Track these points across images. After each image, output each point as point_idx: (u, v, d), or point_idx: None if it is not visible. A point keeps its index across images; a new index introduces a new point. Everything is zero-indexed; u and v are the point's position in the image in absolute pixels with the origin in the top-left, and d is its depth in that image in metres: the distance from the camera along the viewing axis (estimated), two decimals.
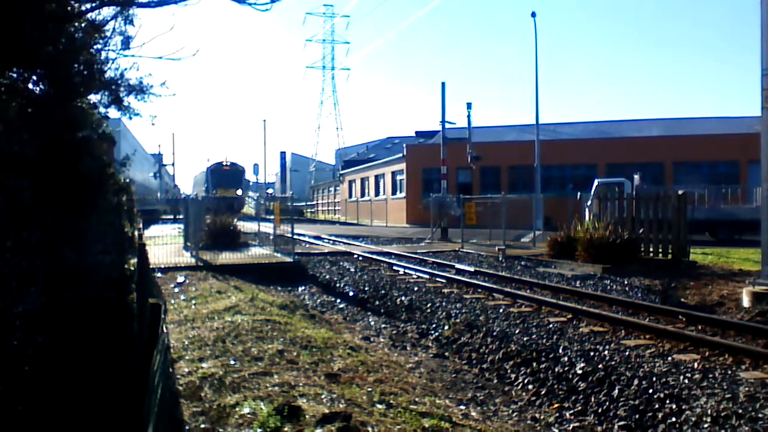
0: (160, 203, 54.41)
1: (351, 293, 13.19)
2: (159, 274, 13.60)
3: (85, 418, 4.76)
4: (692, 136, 37.44)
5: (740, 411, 5.81)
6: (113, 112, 8.22)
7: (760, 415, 5.73)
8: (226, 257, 16.38)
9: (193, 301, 10.61)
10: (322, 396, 5.48)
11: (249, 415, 4.99)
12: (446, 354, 8.60)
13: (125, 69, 7.79)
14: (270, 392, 5.50)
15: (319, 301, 12.67)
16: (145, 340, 5.03)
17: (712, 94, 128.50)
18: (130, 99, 7.93)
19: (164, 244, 18.99)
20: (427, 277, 14.40)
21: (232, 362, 6.44)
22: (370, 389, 5.92)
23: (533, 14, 30.84)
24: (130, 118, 8.27)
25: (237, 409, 5.11)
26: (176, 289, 12.14)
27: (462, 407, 6.24)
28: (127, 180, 8.76)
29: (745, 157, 32.09)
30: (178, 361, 6.57)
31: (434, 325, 9.98)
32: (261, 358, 6.67)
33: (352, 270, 16.24)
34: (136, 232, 14.27)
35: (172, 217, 39.08)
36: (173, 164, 75.62)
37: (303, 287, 14.29)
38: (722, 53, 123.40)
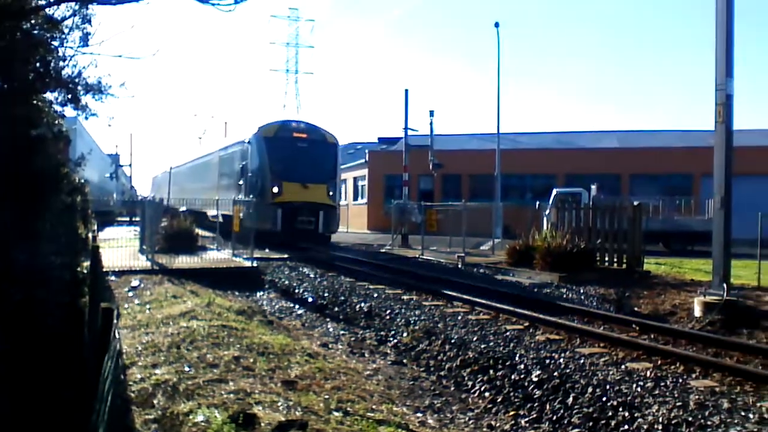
0: (116, 205, 52.63)
1: (310, 299, 13.10)
2: (113, 278, 13.32)
3: (33, 425, 4.61)
4: (648, 149, 38.30)
5: (690, 419, 5.94)
6: (70, 111, 8.03)
7: (709, 423, 5.86)
8: (183, 261, 16.12)
9: (148, 306, 10.41)
10: (279, 403, 5.42)
11: (203, 423, 4.90)
12: (404, 361, 8.60)
13: (83, 67, 7.62)
14: (225, 399, 5.42)
15: (277, 306, 12.56)
16: (96, 345, 4.91)
17: (670, 107, 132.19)
18: (87, 98, 7.77)
19: (119, 246, 18.61)
20: (387, 283, 14.40)
21: (186, 369, 6.33)
22: (327, 396, 5.87)
23: (496, 24, 31.22)
24: (87, 117, 8.09)
25: (191, 416, 5.02)
26: (130, 293, 11.90)
27: (419, 415, 6.24)
28: (82, 180, 8.55)
29: (699, 170, 32.93)
30: (131, 367, 6.43)
31: (393, 332, 9.97)
32: (216, 364, 6.57)
33: (312, 276, 16.15)
34: (90, 234, 13.97)
35: (128, 219, 38.32)
36: (130, 165, 74.02)
37: (261, 292, 14.15)
38: (682, 67, 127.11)
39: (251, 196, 22.31)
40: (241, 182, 24.54)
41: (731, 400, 6.34)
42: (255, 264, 16.71)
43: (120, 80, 7.79)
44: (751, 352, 8.47)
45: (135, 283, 12.94)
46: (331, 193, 23.99)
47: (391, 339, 9.65)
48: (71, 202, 7.06)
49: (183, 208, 22.70)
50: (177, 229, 19.26)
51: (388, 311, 11.32)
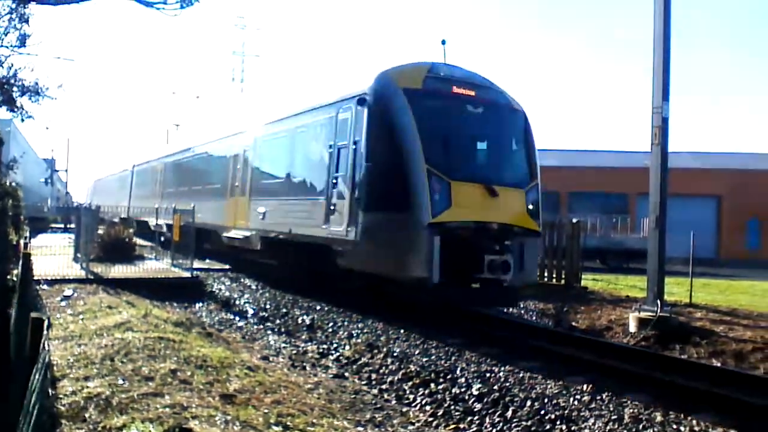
0: (50, 211, 50.53)
1: (251, 311, 12.89)
2: (45, 287, 12.81)
3: None
4: (587, 168, 39.36)
5: None
6: (4, 113, 7.73)
7: None
8: (119, 270, 15.65)
9: (81, 316, 10.03)
10: (216, 418, 5.28)
11: None
12: (346, 374, 8.53)
13: (20, 68, 7.35)
14: (160, 414, 5.25)
15: (217, 318, 12.30)
16: (24, 356, 4.69)
17: (610, 128, 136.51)
18: (23, 100, 7.48)
19: (53, 254, 17.93)
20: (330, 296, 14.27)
21: (120, 382, 6.11)
22: (266, 411, 5.76)
23: (443, 42, 31.54)
24: (23, 120, 7.79)
25: (124, 431, 4.84)
26: (63, 303, 11.46)
27: (360, 429, 6.18)
28: (14, 184, 8.22)
29: (635, 190, 34.03)
30: (62, 380, 6.17)
31: (335, 345, 9.89)
32: (152, 377, 6.37)
33: (254, 287, 15.91)
34: (21, 241, 13.43)
35: (62, 226, 37.01)
36: (66, 170, 71.65)
37: (201, 304, 13.85)
38: (623, 91, 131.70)
39: (364, 207, 11.48)
40: (336, 180, 12.55)
41: (664, 414, 6.52)
42: (195, 274, 16.35)
43: (58, 81, 7.55)
44: (682, 367, 8.75)
45: (68, 292, 12.47)
46: (532, 207, 12.17)
47: (333, 352, 9.57)
48: (1, 206, 6.77)
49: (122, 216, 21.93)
50: (114, 238, 18.70)
51: (330, 324, 11.23)
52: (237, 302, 13.83)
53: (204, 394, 6.03)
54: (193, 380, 6.46)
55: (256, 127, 18.06)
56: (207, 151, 22.72)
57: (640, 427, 6.24)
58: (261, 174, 17.07)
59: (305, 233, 13.58)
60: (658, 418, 6.44)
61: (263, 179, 16.85)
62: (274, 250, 16.04)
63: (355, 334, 10.34)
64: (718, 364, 9.33)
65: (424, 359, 8.63)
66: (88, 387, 5.89)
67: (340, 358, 9.26)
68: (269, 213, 15.87)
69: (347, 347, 9.66)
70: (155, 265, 18.00)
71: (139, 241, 21.47)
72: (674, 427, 6.22)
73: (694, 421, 6.31)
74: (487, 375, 7.97)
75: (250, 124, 18.73)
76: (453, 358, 8.84)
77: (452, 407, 6.98)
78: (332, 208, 12.50)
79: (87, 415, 5.22)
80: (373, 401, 7.30)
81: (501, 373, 8.07)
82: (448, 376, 7.85)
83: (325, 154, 13.21)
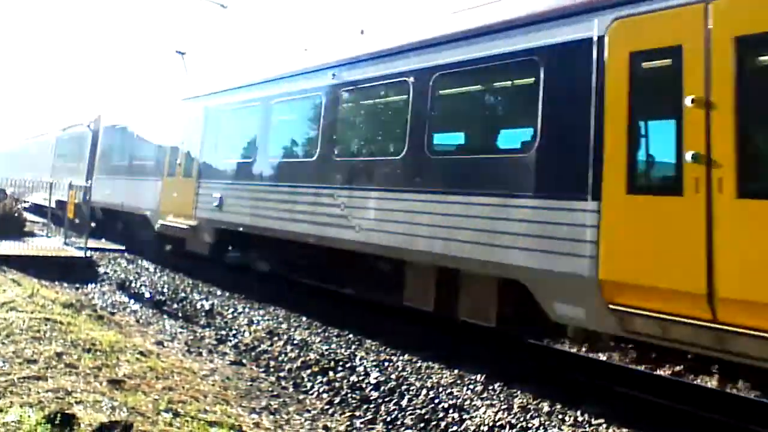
0: None
1: (147, 294, 12.46)
2: None
3: None
4: None
5: (513, 421, 6.30)
6: None
7: (530, 426, 6.25)
8: (6, 247, 14.74)
9: None
10: (102, 404, 5.07)
11: (14, 423, 4.47)
12: (244, 361, 8.40)
13: None
14: (42, 398, 4.99)
15: (110, 300, 11.81)
16: None
17: None
18: None
19: None
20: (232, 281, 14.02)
21: (0, 364, 5.77)
22: (157, 397, 5.59)
23: None
24: None
25: (0, 416, 4.57)
26: None
27: (254, 416, 6.11)
28: None
29: None
30: None
31: (234, 332, 9.72)
32: (35, 360, 6.05)
33: (151, 270, 15.38)
34: None
35: None
36: None
37: (94, 285, 13.26)
38: None
39: None
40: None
41: (551, 404, 6.80)
42: (89, 254, 15.63)
43: None
44: (570, 360, 9.15)
45: None
46: None
47: (232, 338, 9.41)
48: None
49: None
50: (1, 212, 17.60)
51: (231, 310, 11.02)
52: (133, 284, 13.33)
53: (91, 379, 5.79)
54: (79, 364, 6.19)
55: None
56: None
57: (528, 416, 6.48)
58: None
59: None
60: (546, 409, 6.71)
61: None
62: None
63: (255, 321, 10.20)
64: (604, 358, 9.83)
65: (325, 347, 8.62)
66: None
67: (239, 344, 9.11)
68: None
69: (247, 334, 9.51)
70: (46, 243, 17.06)
71: (30, 216, 20.31)
72: (560, 417, 6.50)
73: (579, 411, 6.62)
74: (386, 364, 8.05)
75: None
76: (353, 346, 8.87)
77: (349, 395, 7.02)
78: None
79: None
80: (270, 389, 7.23)
81: (399, 363, 8.17)
82: (347, 365, 7.88)
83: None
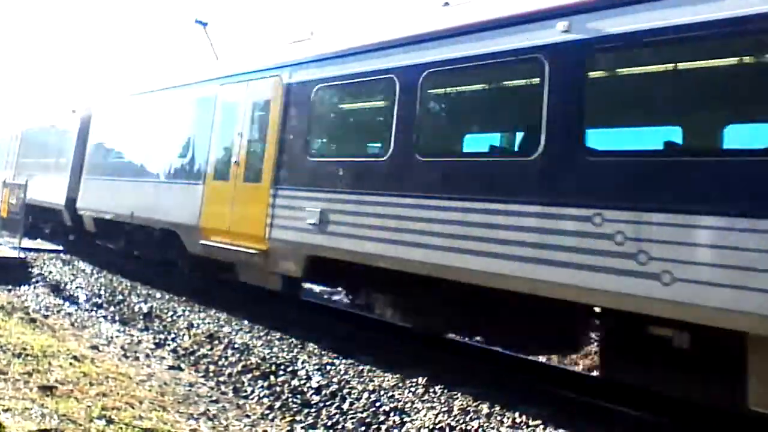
0: None
1: (84, 297, 12.09)
2: None
3: None
4: None
5: (453, 423, 6.36)
6: None
7: (469, 427, 6.32)
8: None
9: None
10: (32, 411, 4.90)
11: None
12: (182, 366, 8.24)
13: None
14: None
15: (44, 303, 11.41)
16: None
17: None
18: None
19: None
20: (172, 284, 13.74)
21: None
22: (90, 404, 5.42)
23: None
24: None
25: None
26: None
27: (192, 422, 5.99)
28: None
29: None
30: None
31: (173, 335, 9.52)
32: None
33: (88, 271, 14.93)
34: None
35: None
36: None
37: (27, 287, 12.79)
38: None
39: None
40: None
41: (491, 406, 6.89)
42: (23, 255, 15.08)
43: None
44: (509, 362, 9.29)
45: None
46: None
47: (171, 342, 9.21)
48: None
49: None
50: None
51: (170, 313, 10.80)
52: (68, 287, 12.92)
53: (20, 385, 5.58)
54: (9, 370, 5.96)
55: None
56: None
57: (468, 418, 6.56)
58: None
59: None
60: (485, 410, 6.80)
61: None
62: None
63: (195, 324, 10.02)
64: (543, 360, 10.03)
65: (266, 351, 8.53)
66: None
67: (178, 348, 8.93)
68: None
69: (186, 337, 9.33)
70: None
71: None
72: (498, 418, 6.59)
73: (517, 412, 6.73)
74: (328, 367, 8.02)
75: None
76: (296, 350, 8.80)
77: (290, 399, 6.96)
78: None
79: None
80: (209, 394, 7.11)
81: (342, 366, 8.15)
82: (289, 369, 7.81)
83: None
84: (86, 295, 12.19)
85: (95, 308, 11.32)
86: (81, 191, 16.07)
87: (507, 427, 6.41)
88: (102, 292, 12.31)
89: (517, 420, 6.57)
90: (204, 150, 11.87)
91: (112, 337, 9.34)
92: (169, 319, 10.42)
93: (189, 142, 12.51)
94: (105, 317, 10.75)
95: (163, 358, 8.56)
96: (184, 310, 11.00)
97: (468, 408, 6.83)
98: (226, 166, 11.20)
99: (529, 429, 6.37)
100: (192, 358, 8.52)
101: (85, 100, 18.34)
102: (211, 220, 11.21)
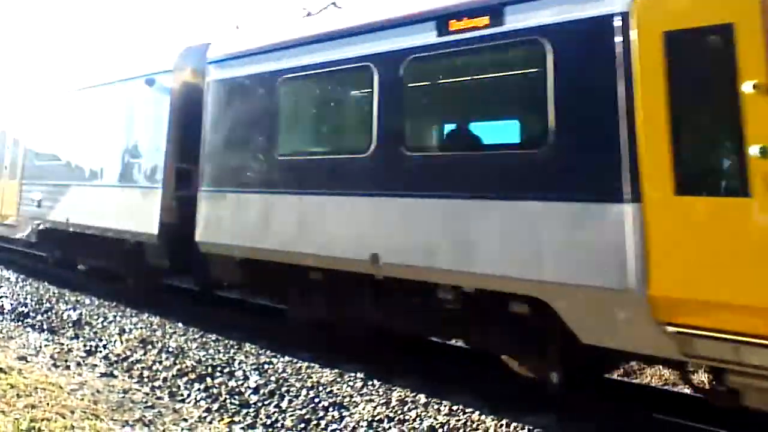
0: None
1: (9, 306, 11.63)
2: None
3: None
4: None
5: (391, 414, 6.48)
6: None
7: (407, 417, 6.44)
8: None
9: None
10: None
11: None
12: (115, 373, 8.06)
13: None
14: None
15: None
16: None
17: None
18: None
19: None
20: (104, 291, 13.38)
21: None
22: (18, 416, 5.27)
23: None
24: None
25: None
26: None
27: (127, 429, 5.90)
28: None
29: None
30: None
31: (105, 342, 9.29)
32: None
33: (13, 279, 14.36)
34: None
35: None
36: None
37: None
38: None
39: None
40: None
41: (428, 395, 7.04)
42: None
43: None
44: (446, 351, 9.46)
45: None
46: None
47: (102, 349, 8.98)
48: None
49: None
50: None
51: (101, 319, 10.52)
52: None
53: None
54: None
55: None
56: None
57: (406, 408, 6.69)
58: None
59: None
60: (423, 400, 6.95)
61: None
62: None
63: (128, 329, 9.80)
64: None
65: (202, 353, 8.44)
66: None
67: (110, 355, 8.72)
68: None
69: (118, 343, 9.12)
70: None
71: None
72: (436, 407, 6.75)
73: (454, 401, 6.90)
74: (266, 367, 8.01)
75: None
76: (232, 351, 8.74)
77: (228, 401, 6.92)
78: None
79: None
80: (144, 399, 6.99)
81: (280, 365, 8.15)
82: (226, 370, 7.76)
83: None
84: (11, 304, 11.73)
85: (21, 318, 10.91)
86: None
87: (444, 414, 6.56)
88: (28, 301, 11.88)
89: (453, 407, 6.73)
90: None
91: (40, 347, 9.04)
92: (100, 326, 10.16)
93: None
94: (32, 326, 10.38)
95: (95, 365, 8.35)
96: (115, 316, 10.74)
97: (406, 399, 6.96)
98: None
99: (465, 415, 6.55)
100: (125, 364, 8.35)
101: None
102: None
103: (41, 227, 13.90)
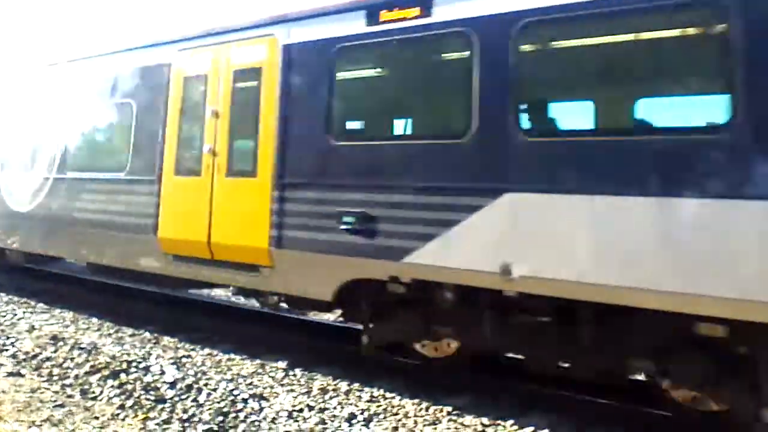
0: None
1: None
2: None
3: None
4: None
5: (312, 403, 6.45)
6: None
7: (328, 405, 6.43)
8: None
9: None
10: None
11: None
12: (23, 372, 7.67)
13: None
14: None
15: None
16: None
17: None
18: None
19: None
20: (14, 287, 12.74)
21: None
22: None
23: None
24: None
25: None
26: None
27: (34, 430, 5.64)
28: None
29: None
30: None
31: (13, 340, 8.84)
32: None
33: None
34: None
35: None
36: None
37: None
38: None
39: None
40: None
41: (349, 383, 7.05)
42: None
43: None
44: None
45: None
46: None
47: (10, 347, 8.55)
48: None
49: None
50: None
51: (8, 316, 10.03)
52: None
53: None
54: None
55: None
56: None
57: (327, 397, 6.68)
58: None
59: None
60: (344, 388, 6.95)
61: None
62: None
63: (38, 326, 9.38)
64: None
65: (117, 349, 8.16)
66: None
67: (18, 353, 8.30)
68: None
69: (27, 341, 8.70)
70: None
71: None
72: (357, 395, 6.76)
73: (375, 388, 6.94)
74: (184, 360, 7.83)
75: None
76: (149, 345, 8.50)
77: (143, 397, 6.70)
78: None
79: None
80: (53, 398, 6.69)
81: (198, 358, 7.99)
82: (141, 365, 7.52)
83: None
84: None
85: None
86: None
87: (365, 401, 6.59)
88: None
89: (375, 394, 6.78)
90: None
91: None
92: (8, 323, 9.67)
93: None
94: None
95: (2, 365, 7.93)
96: (24, 312, 10.26)
97: (327, 387, 6.95)
98: None
99: (386, 401, 6.59)
100: (34, 362, 7.97)
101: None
102: None
103: None
